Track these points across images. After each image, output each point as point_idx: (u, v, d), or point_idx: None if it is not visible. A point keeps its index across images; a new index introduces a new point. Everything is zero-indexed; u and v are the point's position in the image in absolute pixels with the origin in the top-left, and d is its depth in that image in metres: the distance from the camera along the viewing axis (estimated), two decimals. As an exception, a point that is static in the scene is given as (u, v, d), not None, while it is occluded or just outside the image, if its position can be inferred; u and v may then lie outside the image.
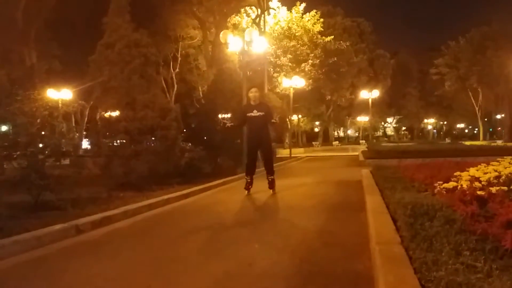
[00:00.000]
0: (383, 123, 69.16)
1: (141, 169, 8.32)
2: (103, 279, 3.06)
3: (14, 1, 15.21)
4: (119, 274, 3.18)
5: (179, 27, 29.19)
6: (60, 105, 18.04)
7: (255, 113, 7.15)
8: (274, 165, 7.89)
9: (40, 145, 6.05)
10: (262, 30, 22.84)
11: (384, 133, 73.02)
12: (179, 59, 32.21)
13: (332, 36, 31.48)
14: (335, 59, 31.88)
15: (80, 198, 6.12)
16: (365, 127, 60.84)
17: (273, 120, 7.55)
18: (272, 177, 7.43)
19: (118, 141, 9.04)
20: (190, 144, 11.31)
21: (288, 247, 3.75)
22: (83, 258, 3.64)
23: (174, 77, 32.61)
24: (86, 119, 27.62)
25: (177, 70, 32.49)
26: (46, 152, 5.92)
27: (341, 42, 32.53)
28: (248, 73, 16.65)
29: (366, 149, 22.74)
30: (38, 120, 5.90)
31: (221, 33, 15.46)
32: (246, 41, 16.01)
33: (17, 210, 5.57)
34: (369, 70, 46.09)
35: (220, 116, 14.82)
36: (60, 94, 19.96)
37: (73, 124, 21.49)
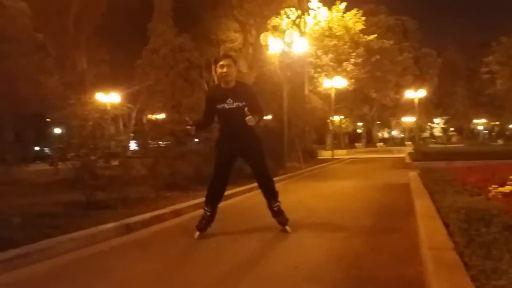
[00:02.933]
0: (430, 124, 66.62)
1: (186, 170, 8.54)
2: (153, 276, 3.16)
3: (65, 10, 16.08)
4: (168, 272, 3.27)
5: (220, 31, 29.60)
6: (109, 108, 18.81)
7: (229, 103, 4.26)
8: (315, 167, 6.98)
9: (92, 147, 6.33)
10: (302, 31, 22.72)
11: (431, 134, 70.33)
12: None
13: (375, 35, 30.78)
14: (378, 57, 31.12)
15: (130, 198, 6.36)
16: (411, 128, 58.88)
17: (247, 118, 4.08)
18: (277, 203, 4.55)
19: (163, 143, 9.32)
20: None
21: (333, 250, 3.70)
22: (134, 256, 3.78)
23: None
24: (133, 121, 28.61)
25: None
26: (98, 153, 6.18)
27: (384, 40, 31.73)
28: (288, 74, 16.63)
29: (412, 150, 22.01)
30: (90, 123, 6.18)
31: (262, 35, 15.57)
32: (286, 43, 15.99)
33: (72, 208, 5.87)
34: (415, 69, 44.53)
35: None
36: (109, 98, 20.84)
37: (122, 127, 22.31)
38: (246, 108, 4.10)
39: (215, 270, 3.26)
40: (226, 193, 7.31)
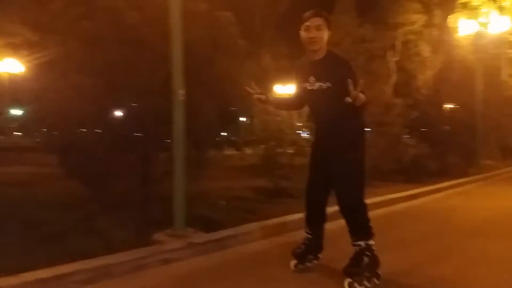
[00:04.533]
0: None
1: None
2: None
3: (252, 11, 17.59)
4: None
5: (399, 13, 27.81)
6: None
7: (311, 83, 3.06)
8: (487, 174, 4.99)
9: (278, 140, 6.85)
10: (502, 6, 19.52)
11: None
12: (398, 47, 30.84)
13: None
14: None
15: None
16: None
17: (348, 98, 2.69)
18: (360, 243, 3.01)
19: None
20: (408, 137, 10.73)
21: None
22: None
23: (392, 67, 31.49)
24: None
25: (396, 58, 31.21)
26: (284, 146, 6.66)
27: None
28: (481, 57, 14.59)
29: None
30: (279, 119, 6.69)
31: (449, 16, 14.01)
32: (481, 23, 14.01)
33: (260, 194, 6.48)
34: None
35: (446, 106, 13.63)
36: (285, 89, 22.03)
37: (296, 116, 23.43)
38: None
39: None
40: (411, 192, 7.03)
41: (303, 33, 3.01)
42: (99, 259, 3.18)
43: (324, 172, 3.13)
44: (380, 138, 8.78)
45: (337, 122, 2.99)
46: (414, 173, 8.70)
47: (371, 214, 2.81)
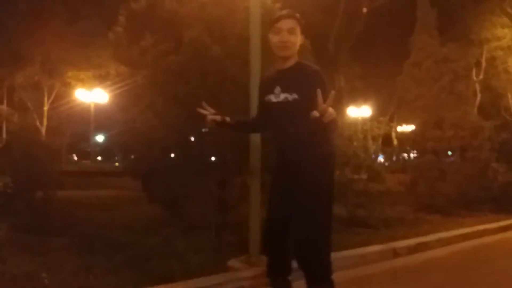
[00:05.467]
0: None
1: (447, 191, 7.87)
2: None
3: (326, 34, 17.66)
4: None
5: (483, 29, 26.13)
6: (359, 121, 19.47)
7: (276, 94, 2.54)
8: None
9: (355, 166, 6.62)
10: None
11: None
12: (483, 64, 28.81)
13: None
14: None
15: (388, 217, 6.32)
16: None
17: (315, 112, 2.06)
18: None
19: (411, 156, 8.86)
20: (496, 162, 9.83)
21: None
22: (407, 285, 3.69)
23: (477, 85, 29.42)
24: (381, 132, 28.65)
25: (481, 77, 29.14)
26: (361, 172, 6.42)
27: None
28: None
29: None
30: (355, 144, 6.50)
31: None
32: None
33: (335, 223, 6.24)
34: None
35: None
36: (360, 111, 21.57)
37: (370, 140, 22.73)
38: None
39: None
40: (502, 223, 6.43)
41: (272, 37, 2.51)
42: (178, 283, 3.26)
43: (288, 204, 2.48)
44: (466, 163, 8.16)
45: (303, 143, 2.45)
46: (504, 202, 7.97)
47: (458, 246, 2.52)
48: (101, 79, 16.13)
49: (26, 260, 3.46)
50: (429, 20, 8.41)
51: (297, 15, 2.53)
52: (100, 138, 30.28)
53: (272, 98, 2.54)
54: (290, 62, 2.52)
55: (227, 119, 2.67)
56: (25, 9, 16.61)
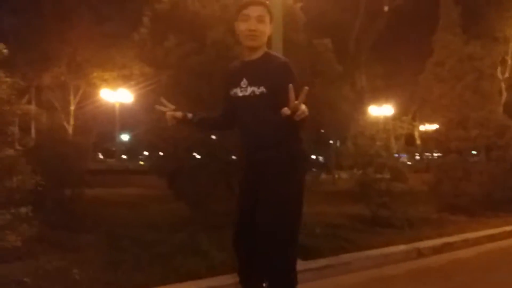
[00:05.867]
0: None
1: (472, 191, 7.71)
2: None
3: (347, 33, 17.52)
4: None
5: (509, 26, 25.41)
6: (381, 120, 19.19)
7: (243, 87, 2.30)
8: None
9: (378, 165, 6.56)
10: None
11: None
12: (509, 62, 28.01)
13: None
14: None
15: (412, 217, 6.24)
16: None
17: (286, 109, 1.91)
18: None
19: (435, 155, 8.69)
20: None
21: None
22: (431, 285, 3.66)
23: (502, 84, 28.63)
24: (403, 132, 28.18)
25: (506, 75, 28.35)
26: (384, 172, 6.36)
27: None
28: None
29: None
30: (378, 143, 6.44)
31: None
32: None
33: (358, 222, 6.23)
34: None
35: None
36: (381, 110, 21.24)
37: (393, 139, 22.44)
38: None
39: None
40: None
41: (239, 24, 2.29)
42: (203, 281, 3.32)
43: (250, 208, 2.28)
44: (491, 164, 7.98)
45: (270, 142, 2.24)
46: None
47: (484, 247, 2.45)
48: (125, 79, 16.40)
49: (57, 256, 3.59)
50: (452, 17, 8.24)
51: (267, 2, 2.37)
52: (125, 137, 30.84)
53: (238, 92, 2.31)
54: (258, 53, 2.31)
55: (189, 115, 2.50)
56: (51, 11, 17.04)
